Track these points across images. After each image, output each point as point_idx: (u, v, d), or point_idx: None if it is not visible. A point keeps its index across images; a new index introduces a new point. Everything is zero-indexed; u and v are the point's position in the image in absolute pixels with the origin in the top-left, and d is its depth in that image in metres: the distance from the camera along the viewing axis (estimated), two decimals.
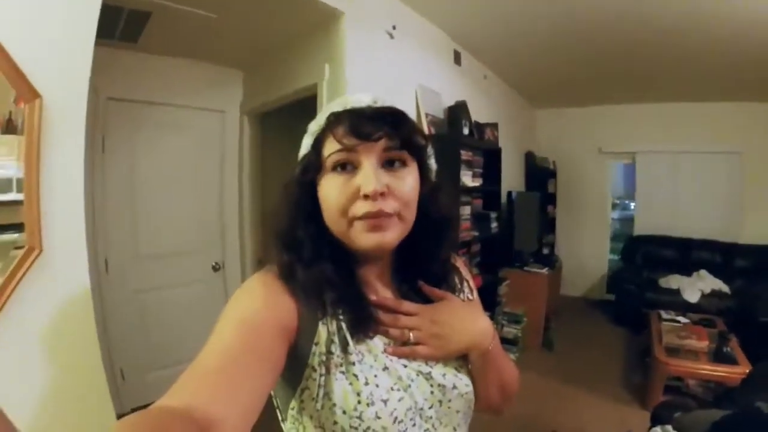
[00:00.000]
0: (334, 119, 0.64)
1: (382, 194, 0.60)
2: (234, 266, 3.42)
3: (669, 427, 1.86)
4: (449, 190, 0.77)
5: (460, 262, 0.85)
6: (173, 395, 0.46)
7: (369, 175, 0.60)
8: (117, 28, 2.40)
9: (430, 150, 0.73)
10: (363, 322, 0.65)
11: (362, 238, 0.62)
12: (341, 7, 2.36)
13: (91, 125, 1.34)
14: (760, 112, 5.00)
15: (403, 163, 0.65)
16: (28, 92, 1.14)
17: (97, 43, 1.33)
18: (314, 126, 0.68)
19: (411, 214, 0.66)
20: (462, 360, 0.73)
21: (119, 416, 1.53)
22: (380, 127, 0.62)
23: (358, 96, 0.67)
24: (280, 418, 0.70)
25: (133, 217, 2.89)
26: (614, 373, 3.66)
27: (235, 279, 3.39)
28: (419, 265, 0.74)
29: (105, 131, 2.70)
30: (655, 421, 2.06)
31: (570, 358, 4.00)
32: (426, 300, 0.73)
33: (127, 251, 2.87)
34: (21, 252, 1.19)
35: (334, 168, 0.63)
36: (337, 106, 0.66)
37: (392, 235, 0.63)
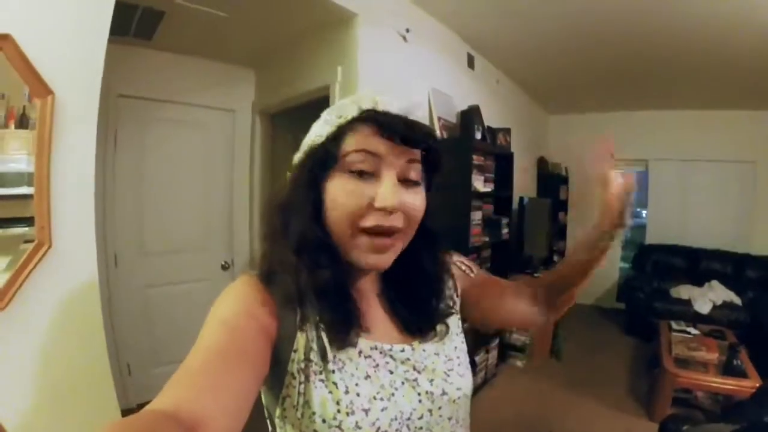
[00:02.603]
0: (369, 116, 0.60)
1: (397, 210, 0.59)
2: (243, 265, 3.41)
3: None
4: (443, 205, 0.74)
5: (454, 258, 0.84)
6: (160, 398, 0.45)
7: (389, 186, 0.59)
8: (131, 25, 2.42)
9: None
10: (345, 331, 0.62)
11: (363, 255, 0.61)
12: (354, 9, 2.36)
13: (103, 122, 1.34)
14: None
15: (416, 182, 0.64)
16: (40, 88, 1.15)
17: (111, 41, 1.33)
18: (336, 115, 0.63)
19: (412, 233, 0.66)
20: (456, 360, 0.72)
21: (124, 411, 1.54)
22: (419, 139, 0.61)
23: (390, 99, 0.63)
24: (270, 429, 0.69)
25: (143, 213, 2.91)
26: (622, 382, 3.62)
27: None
28: (412, 278, 0.72)
29: (117, 128, 2.72)
30: None
31: (578, 367, 3.95)
32: (411, 309, 0.71)
33: (137, 247, 2.89)
34: (30, 246, 1.20)
35: (351, 170, 0.60)
36: (368, 101, 0.62)
37: (390, 257, 0.63)
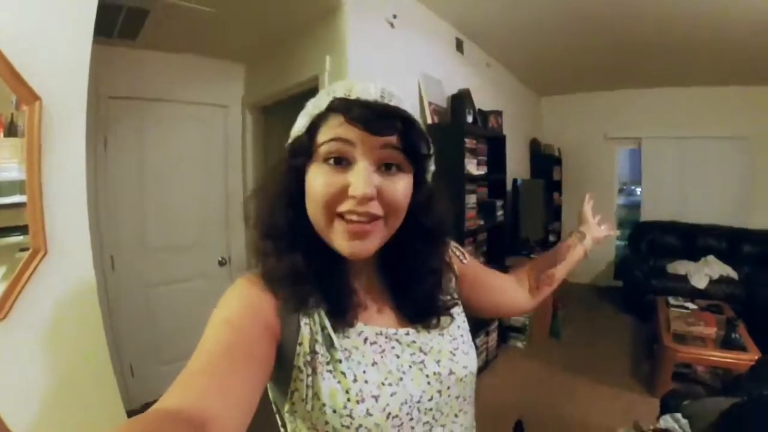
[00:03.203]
0: (338, 105, 0.59)
1: (370, 198, 0.58)
2: (240, 260, 3.42)
3: (678, 415, 1.85)
4: (443, 194, 0.74)
5: (452, 248, 0.84)
6: (166, 398, 0.46)
7: (362, 176, 0.57)
8: (115, 26, 2.39)
9: (431, 158, 0.70)
10: (343, 312, 0.64)
11: (341, 242, 0.60)
12: None
13: (93, 124, 1.33)
14: (767, 97, 4.92)
15: (399, 168, 0.62)
16: (26, 95, 1.14)
17: (95, 42, 1.31)
18: (312, 107, 0.63)
19: (396, 222, 0.64)
20: (460, 339, 0.73)
21: (129, 413, 1.54)
22: (390, 125, 0.59)
23: (366, 84, 0.61)
24: (279, 423, 0.70)
25: (139, 213, 2.90)
26: (622, 360, 3.66)
27: (241, 273, 3.38)
28: (411, 271, 0.72)
29: (108, 130, 2.69)
30: (664, 409, 2.06)
31: (577, 346, 4.00)
32: (414, 302, 0.71)
33: (134, 247, 2.88)
34: (26, 254, 1.20)
35: (326, 159, 0.60)
36: (342, 90, 0.61)
37: (373, 243, 0.61)
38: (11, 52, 1.10)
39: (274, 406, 0.69)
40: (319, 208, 0.60)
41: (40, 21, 1.19)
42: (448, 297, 0.76)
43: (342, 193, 0.58)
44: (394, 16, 2.70)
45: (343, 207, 0.59)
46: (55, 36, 1.22)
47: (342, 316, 0.63)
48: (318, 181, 0.59)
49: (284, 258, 0.62)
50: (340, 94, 0.60)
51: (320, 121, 0.61)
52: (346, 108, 0.58)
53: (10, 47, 1.10)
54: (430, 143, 0.67)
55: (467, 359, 0.71)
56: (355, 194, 0.57)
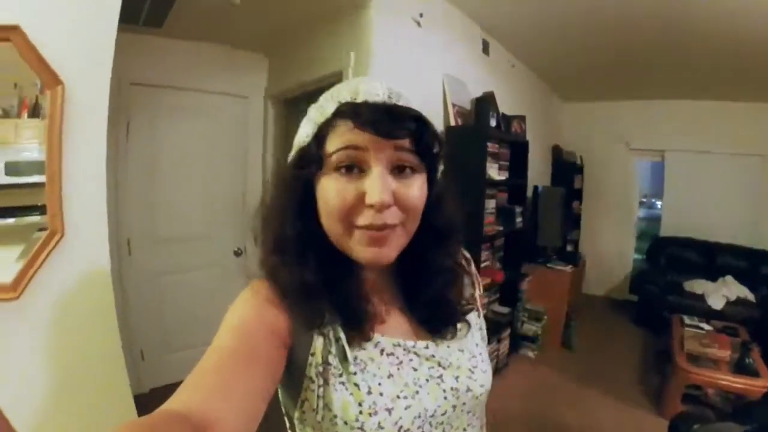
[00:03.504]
0: (345, 110, 0.57)
1: (388, 205, 0.56)
2: (255, 252, 3.43)
3: None
4: (454, 195, 0.72)
5: (467, 255, 0.82)
6: (173, 399, 0.46)
7: (377, 182, 0.56)
8: (141, 13, 2.41)
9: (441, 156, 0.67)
10: (358, 324, 0.62)
11: (360, 250, 0.59)
12: None
13: (115, 110, 1.34)
14: None
15: (413, 170, 0.60)
16: (50, 79, 1.15)
17: (121, 29, 1.32)
18: (317, 113, 0.61)
19: (414, 225, 0.62)
20: (479, 357, 0.71)
21: (137, 396, 1.56)
22: (403, 127, 0.57)
23: (371, 84, 0.59)
24: (287, 425, 0.69)
25: (157, 200, 2.93)
26: (632, 375, 3.60)
27: (256, 264, 3.40)
28: (422, 272, 0.70)
29: (129, 116, 2.73)
30: (673, 431, 2.01)
31: (589, 358, 3.94)
32: (430, 308, 0.69)
33: (150, 234, 2.92)
34: (44, 234, 1.21)
35: (337, 168, 0.58)
36: (347, 92, 0.59)
37: (392, 249, 0.60)
38: (36, 36, 1.11)
39: (283, 409, 0.69)
40: (336, 220, 0.58)
41: (66, 5, 1.20)
42: (464, 302, 0.74)
43: (358, 202, 0.57)
44: (421, 15, 2.68)
45: (360, 220, 0.57)
46: (80, 22, 1.23)
47: (358, 329, 0.62)
48: (332, 192, 0.58)
49: (296, 273, 0.60)
50: (346, 98, 0.59)
51: (327, 128, 0.59)
52: (355, 112, 0.56)
53: (36, 31, 1.11)
54: (442, 142, 0.64)
55: (484, 378, 0.70)
56: (372, 202, 0.55)
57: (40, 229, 1.23)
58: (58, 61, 1.16)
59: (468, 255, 0.82)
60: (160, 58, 2.82)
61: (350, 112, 0.57)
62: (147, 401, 0.44)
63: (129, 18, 1.56)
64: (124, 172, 2.74)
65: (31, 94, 1.19)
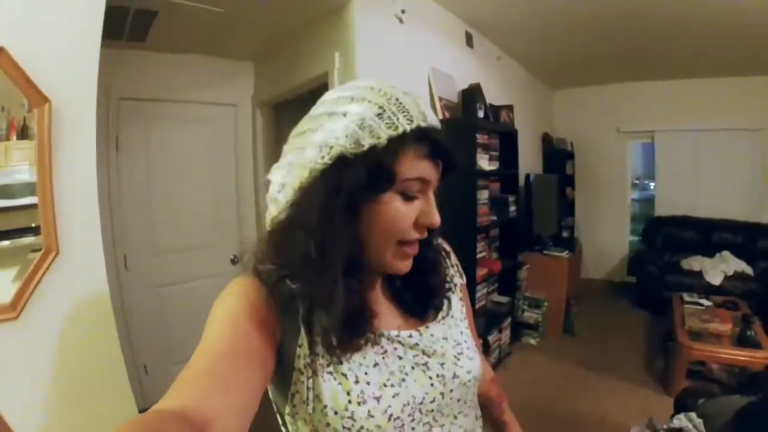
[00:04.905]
0: (423, 135, 0.59)
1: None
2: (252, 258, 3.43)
3: (693, 415, 1.83)
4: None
5: (447, 246, 0.84)
6: (167, 399, 0.46)
7: (434, 207, 0.63)
8: (124, 28, 2.40)
9: None
10: (359, 333, 0.61)
11: (398, 264, 0.64)
12: None
13: (104, 126, 1.34)
14: None
15: None
16: (36, 97, 1.15)
17: (105, 45, 1.33)
18: (383, 124, 0.56)
19: None
20: (464, 344, 0.72)
21: (143, 410, 1.55)
22: (456, 163, 0.64)
23: (427, 108, 0.61)
24: (280, 423, 0.70)
25: (151, 213, 2.92)
26: (636, 357, 3.62)
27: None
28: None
29: (119, 131, 2.72)
30: (679, 407, 2.03)
31: (591, 343, 3.97)
32: (414, 293, 0.72)
33: (146, 247, 2.91)
34: (38, 255, 1.21)
35: (404, 192, 0.60)
36: (416, 111, 0.58)
37: None
38: (20, 55, 1.11)
39: (274, 406, 0.69)
40: (391, 239, 0.61)
41: (49, 24, 1.20)
42: (446, 280, 0.77)
43: (415, 224, 0.62)
44: (403, 11, 2.68)
45: (411, 236, 0.62)
46: (63, 39, 1.23)
47: (354, 337, 0.61)
48: (400, 213, 0.60)
49: (338, 284, 0.58)
50: (418, 119, 0.58)
51: (399, 146, 0.57)
52: (434, 143, 0.60)
53: (19, 50, 1.11)
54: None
55: (471, 364, 0.70)
56: (434, 225, 0.63)
57: (34, 250, 1.23)
58: (44, 79, 1.16)
59: (447, 247, 0.84)
60: (146, 72, 2.82)
61: (428, 139, 0.60)
62: None
63: (112, 33, 1.56)
64: (117, 186, 2.73)
65: (18, 115, 1.19)
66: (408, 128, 0.57)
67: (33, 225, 1.22)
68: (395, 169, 0.57)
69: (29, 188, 1.21)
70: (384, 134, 0.56)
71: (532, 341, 3.96)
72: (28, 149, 1.20)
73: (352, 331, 0.60)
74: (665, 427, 1.86)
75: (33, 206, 1.21)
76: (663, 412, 2.37)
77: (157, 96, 2.89)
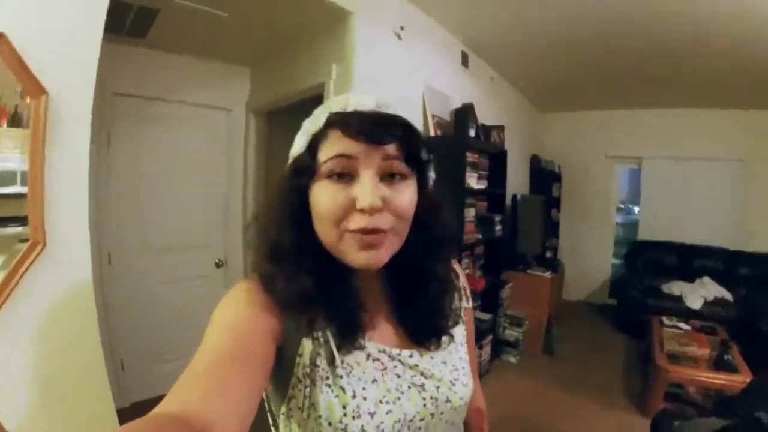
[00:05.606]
0: (336, 120, 0.60)
1: (378, 209, 0.58)
2: (236, 263, 3.42)
3: None
4: (449, 206, 0.73)
5: (457, 266, 0.83)
6: (167, 402, 0.46)
7: (367, 187, 0.57)
8: (125, 23, 2.40)
9: (431, 163, 0.69)
10: (351, 333, 0.63)
11: (353, 254, 0.60)
12: (350, 7, 2.36)
13: (96, 120, 1.33)
14: (764, 121, 4.96)
15: (403, 177, 0.62)
16: (34, 88, 1.14)
17: (104, 39, 1.32)
18: (310, 125, 0.63)
19: (405, 230, 0.64)
20: (461, 370, 0.72)
21: (119, 411, 1.53)
22: (390, 134, 0.59)
23: (361, 97, 0.62)
24: (270, 422, 0.70)
25: (138, 211, 2.90)
26: (615, 379, 3.65)
27: (237, 276, 3.39)
28: (415, 281, 0.71)
29: (111, 126, 2.70)
30: (656, 429, 2.05)
31: (571, 363, 3.99)
32: (418, 318, 0.70)
33: (131, 245, 2.87)
34: (25, 246, 1.20)
35: (329, 175, 0.59)
36: (338, 105, 0.62)
37: (385, 253, 0.61)
38: (21, 44, 1.11)
39: (267, 405, 0.69)
40: (328, 225, 0.59)
41: (52, 15, 1.20)
42: (455, 313, 0.75)
43: (349, 208, 0.58)
44: (402, 28, 2.72)
45: (352, 224, 0.58)
46: (65, 31, 1.23)
47: (351, 338, 0.63)
48: (324, 198, 0.59)
49: (292, 283, 0.61)
50: (336, 109, 0.61)
51: (320, 138, 0.61)
52: (345, 122, 0.59)
53: (21, 39, 1.11)
54: (429, 149, 0.67)
55: (465, 390, 0.70)
56: (363, 206, 0.57)
57: (22, 240, 1.21)
58: (43, 69, 1.15)
59: (458, 269, 0.83)
60: (142, 69, 2.81)
61: (340, 121, 0.59)
62: (130, 415, 0.42)
63: (113, 28, 1.56)
64: (106, 182, 2.70)
65: (10, 102, 1.17)
66: (323, 120, 0.61)
67: (21, 215, 1.20)
68: (317, 157, 0.61)
69: (17, 177, 1.20)
70: (312, 130, 0.63)
71: (512, 359, 3.96)
72: (19, 137, 1.19)
73: (349, 325, 0.62)
74: None
75: (20, 196, 1.19)
76: None
77: (151, 94, 2.87)
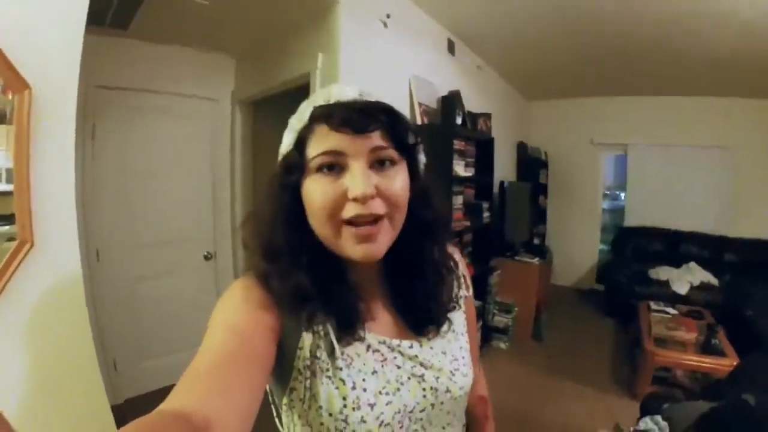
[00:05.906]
0: (320, 113, 0.60)
1: (371, 197, 0.58)
2: (225, 256, 3.40)
3: (658, 418, 1.89)
4: (439, 190, 0.74)
5: (458, 255, 0.84)
6: (169, 400, 0.46)
7: (358, 176, 0.58)
8: (107, 15, 2.34)
9: (420, 147, 0.69)
10: (351, 326, 0.64)
11: (351, 248, 0.60)
12: None
13: (81, 113, 1.30)
14: (749, 108, 5.02)
15: (393, 162, 0.62)
16: (16, 83, 1.11)
17: (86, 31, 1.29)
18: (296, 121, 0.64)
19: (401, 216, 0.64)
20: (461, 360, 0.73)
21: (113, 407, 1.52)
22: (374, 120, 0.59)
23: (343, 88, 0.63)
24: (274, 413, 0.70)
25: (125, 205, 2.86)
26: (603, 364, 3.71)
27: (227, 268, 3.38)
28: (412, 268, 0.71)
29: (95, 119, 2.65)
30: (644, 411, 2.09)
31: (559, 349, 4.04)
32: (415, 307, 0.71)
33: (119, 240, 2.84)
34: (13, 244, 1.17)
35: (319, 169, 0.60)
36: (321, 98, 0.62)
37: (382, 244, 0.61)
38: (2, 38, 1.08)
39: (270, 397, 0.70)
40: (322, 219, 0.60)
41: (33, 8, 1.16)
42: (451, 298, 0.75)
43: (342, 199, 0.58)
44: (388, 16, 2.70)
45: (347, 213, 0.58)
46: (47, 24, 1.19)
47: (350, 330, 0.64)
48: (316, 192, 0.60)
49: (288, 280, 0.62)
50: (320, 103, 0.62)
51: (307, 134, 0.62)
52: (329, 114, 0.59)
53: (1, 34, 1.08)
54: (417, 132, 0.66)
55: (465, 380, 0.71)
56: (355, 195, 0.57)
57: (9, 239, 1.19)
58: (25, 64, 1.12)
59: (458, 257, 0.83)
60: (126, 61, 2.75)
61: (324, 114, 0.59)
62: (123, 412, 0.43)
63: (95, 19, 1.52)
64: (92, 176, 2.66)
65: None
66: (308, 115, 0.62)
67: (6, 213, 1.18)
68: (306, 154, 0.61)
69: (3, 174, 1.17)
70: (298, 126, 0.63)
71: (502, 345, 4.01)
72: (2, 134, 1.16)
73: (348, 318, 0.63)
74: (632, 429, 1.91)
75: (6, 193, 1.17)
76: (629, 416, 2.43)
77: (136, 86, 2.82)
